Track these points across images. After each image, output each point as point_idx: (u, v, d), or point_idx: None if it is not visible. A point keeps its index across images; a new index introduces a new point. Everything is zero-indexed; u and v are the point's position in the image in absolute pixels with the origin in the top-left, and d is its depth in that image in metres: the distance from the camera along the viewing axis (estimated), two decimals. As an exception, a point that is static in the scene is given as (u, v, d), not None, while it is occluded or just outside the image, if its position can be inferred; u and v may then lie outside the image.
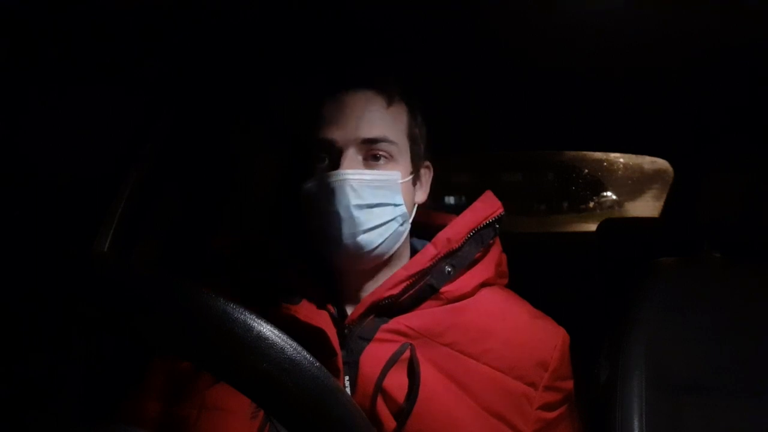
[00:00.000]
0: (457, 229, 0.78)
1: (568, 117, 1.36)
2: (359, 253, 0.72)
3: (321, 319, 0.71)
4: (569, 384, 0.78)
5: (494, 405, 0.70)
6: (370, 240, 0.71)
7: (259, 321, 0.36)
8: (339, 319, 0.73)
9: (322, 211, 0.71)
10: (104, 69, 0.87)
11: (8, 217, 0.77)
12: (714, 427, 0.94)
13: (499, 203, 0.82)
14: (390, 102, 0.75)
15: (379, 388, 0.68)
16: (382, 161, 0.73)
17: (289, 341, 0.37)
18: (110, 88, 0.91)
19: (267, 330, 0.36)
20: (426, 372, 0.69)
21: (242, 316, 0.36)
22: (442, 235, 0.77)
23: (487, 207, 0.81)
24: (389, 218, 0.73)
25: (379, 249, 0.73)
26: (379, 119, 0.73)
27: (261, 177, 1.31)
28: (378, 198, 0.71)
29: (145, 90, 0.95)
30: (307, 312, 0.72)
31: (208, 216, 1.20)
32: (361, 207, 0.70)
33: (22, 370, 0.76)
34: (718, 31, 0.85)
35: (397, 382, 0.69)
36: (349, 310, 0.75)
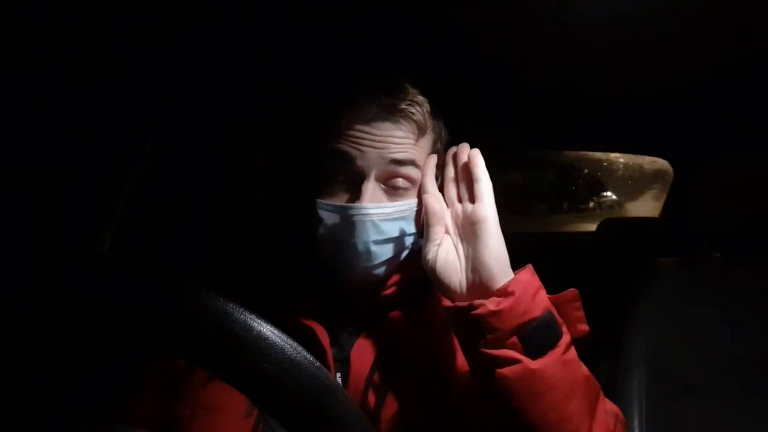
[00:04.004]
0: None
1: (568, 117, 1.36)
2: (370, 279, 0.72)
3: (315, 318, 0.72)
4: None
5: None
6: (382, 270, 0.72)
7: (259, 321, 0.36)
8: (333, 318, 0.74)
9: (338, 240, 0.69)
10: (104, 69, 0.87)
11: (8, 217, 0.77)
12: (714, 427, 0.94)
13: None
14: (420, 132, 0.72)
15: (370, 383, 0.69)
16: (401, 191, 0.71)
17: (289, 341, 0.37)
18: (110, 88, 0.91)
19: (267, 330, 0.36)
20: (414, 358, 0.70)
21: (242, 316, 0.36)
22: None
23: None
24: (403, 248, 0.73)
25: (389, 273, 0.74)
26: (408, 145, 0.71)
27: (261, 177, 1.31)
28: (396, 230, 0.70)
29: (145, 90, 0.96)
30: (303, 311, 0.72)
31: (208, 216, 1.20)
32: (379, 242, 0.69)
33: (22, 370, 0.76)
34: (718, 30, 0.85)
35: (386, 375, 0.69)
36: (346, 310, 0.75)
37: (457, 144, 0.76)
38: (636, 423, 0.94)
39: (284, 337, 0.37)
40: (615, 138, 1.60)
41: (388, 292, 0.74)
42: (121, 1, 0.75)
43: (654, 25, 0.83)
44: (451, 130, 0.82)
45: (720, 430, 0.94)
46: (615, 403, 0.98)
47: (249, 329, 0.36)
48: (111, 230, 0.91)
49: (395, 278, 0.74)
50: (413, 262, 0.76)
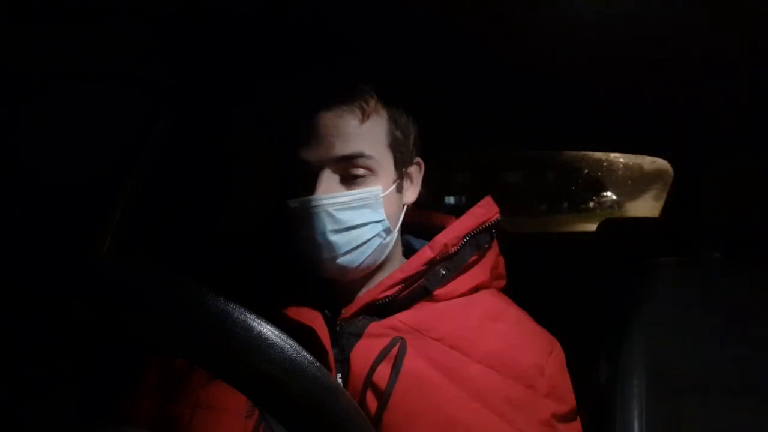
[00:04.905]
0: (454, 233, 0.77)
1: (568, 117, 1.36)
2: (342, 271, 0.72)
3: (314, 317, 0.72)
4: (571, 401, 0.76)
5: (490, 402, 0.69)
6: (351, 259, 0.71)
7: (259, 321, 0.36)
8: (332, 318, 0.73)
9: (301, 234, 0.71)
10: (104, 69, 0.87)
11: (8, 217, 0.77)
12: (714, 427, 0.94)
13: (497, 208, 0.81)
14: (364, 116, 0.72)
15: (368, 384, 0.68)
16: (360, 179, 0.71)
17: (290, 341, 0.37)
18: (110, 88, 0.91)
19: (267, 330, 0.36)
20: (414, 363, 0.69)
21: (242, 316, 0.36)
22: (440, 239, 0.77)
23: (485, 212, 0.80)
24: (370, 236, 0.72)
25: (363, 264, 0.73)
26: (354, 135, 0.71)
27: (260, 177, 1.31)
28: (357, 219, 0.70)
29: (145, 90, 0.96)
30: (302, 311, 0.72)
31: (207, 216, 1.20)
32: (338, 231, 0.69)
33: (22, 370, 0.76)
34: (719, 30, 0.85)
35: (386, 377, 0.69)
36: (344, 310, 0.75)
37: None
38: (636, 423, 0.93)
39: (284, 337, 0.37)
40: (615, 138, 1.60)
41: (389, 293, 0.73)
42: (120, 2, 0.75)
43: (654, 24, 0.83)
44: (452, 130, 0.82)
45: (720, 430, 0.94)
46: (615, 404, 0.99)
47: (249, 329, 0.36)
48: (111, 230, 0.91)
49: (394, 279, 0.74)
50: (412, 261, 0.76)
